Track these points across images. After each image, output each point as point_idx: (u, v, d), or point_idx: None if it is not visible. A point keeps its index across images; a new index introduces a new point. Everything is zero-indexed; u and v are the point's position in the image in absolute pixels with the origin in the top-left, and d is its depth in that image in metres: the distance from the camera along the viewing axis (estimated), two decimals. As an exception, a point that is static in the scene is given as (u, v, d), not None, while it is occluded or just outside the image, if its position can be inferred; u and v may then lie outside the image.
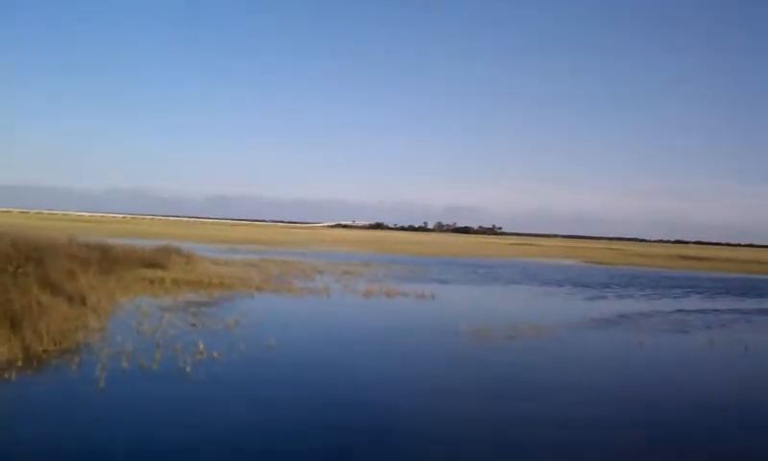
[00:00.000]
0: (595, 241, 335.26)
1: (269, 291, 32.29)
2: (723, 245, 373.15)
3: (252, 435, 11.15)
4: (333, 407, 13.08)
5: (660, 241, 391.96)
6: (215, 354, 16.49)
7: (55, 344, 16.15)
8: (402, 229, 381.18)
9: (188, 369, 14.88)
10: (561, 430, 12.35)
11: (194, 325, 20.99)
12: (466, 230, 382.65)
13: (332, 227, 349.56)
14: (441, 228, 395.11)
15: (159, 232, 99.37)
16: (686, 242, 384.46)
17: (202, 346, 17.06)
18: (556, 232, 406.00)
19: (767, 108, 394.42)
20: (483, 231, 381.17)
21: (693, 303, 38.06)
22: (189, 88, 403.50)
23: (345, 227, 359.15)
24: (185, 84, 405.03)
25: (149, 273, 33.90)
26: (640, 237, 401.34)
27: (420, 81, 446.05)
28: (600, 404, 14.52)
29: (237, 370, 15.52)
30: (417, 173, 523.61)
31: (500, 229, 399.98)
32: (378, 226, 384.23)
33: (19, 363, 14.32)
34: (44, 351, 15.58)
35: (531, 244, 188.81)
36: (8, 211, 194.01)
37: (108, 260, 32.76)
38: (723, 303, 38.95)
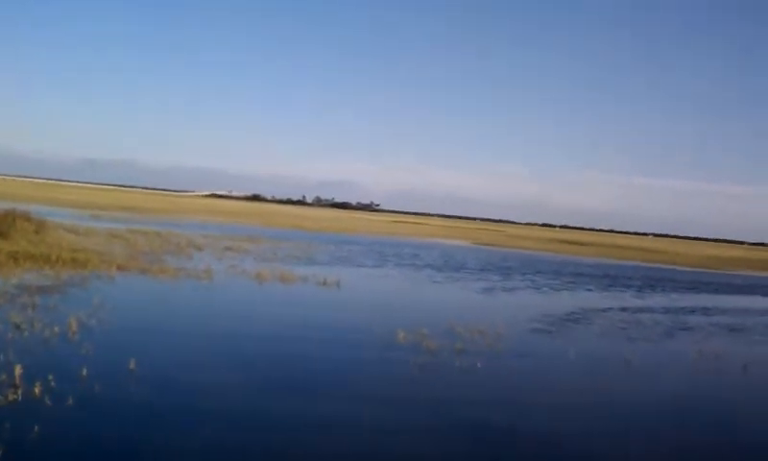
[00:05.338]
0: (470, 221, 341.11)
1: (134, 271, 25.60)
2: (587, 230, 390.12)
3: None
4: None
5: (529, 224, 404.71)
6: (37, 391, 10.16)
7: None
8: (281, 201, 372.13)
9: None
10: None
11: (19, 326, 14.40)
12: (345, 206, 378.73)
13: (207, 196, 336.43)
14: (319, 202, 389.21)
15: (11, 193, 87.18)
16: (553, 226, 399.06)
17: (18, 371, 10.71)
18: (429, 211, 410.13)
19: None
20: (362, 207, 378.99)
21: (624, 297, 34.39)
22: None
23: (220, 197, 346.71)
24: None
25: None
26: (510, 220, 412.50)
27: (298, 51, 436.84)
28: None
29: (73, 424, 9.30)
30: (292, 146, 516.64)
31: (378, 205, 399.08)
32: (256, 197, 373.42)
33: None
34: None
35: (413, 222, 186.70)
36: None
37: None
38: (653, 298, 35.67)
